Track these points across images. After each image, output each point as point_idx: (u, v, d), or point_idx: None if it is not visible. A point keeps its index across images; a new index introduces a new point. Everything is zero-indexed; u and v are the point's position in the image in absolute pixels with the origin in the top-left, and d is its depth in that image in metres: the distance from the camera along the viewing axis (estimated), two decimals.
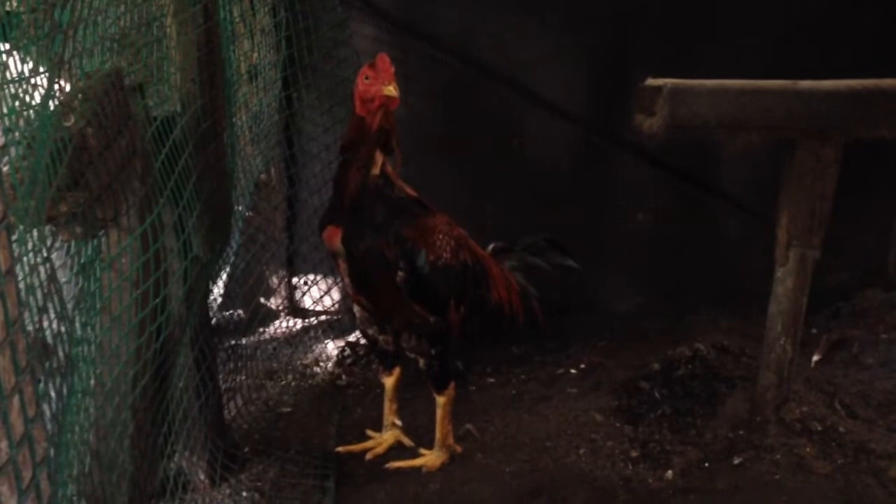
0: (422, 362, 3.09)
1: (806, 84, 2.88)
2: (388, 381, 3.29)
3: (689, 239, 4.51)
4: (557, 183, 4.50)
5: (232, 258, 3.68)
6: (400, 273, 2.86)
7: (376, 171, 2.85)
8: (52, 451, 1.58)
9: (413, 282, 2.89)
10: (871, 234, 4.53)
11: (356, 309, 3.15)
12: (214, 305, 3.41)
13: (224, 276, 3.63)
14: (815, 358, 3.80)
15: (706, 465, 3.04)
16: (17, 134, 1.50)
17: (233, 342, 3.82)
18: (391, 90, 2.76)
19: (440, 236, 2.96)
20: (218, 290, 3.50)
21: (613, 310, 4.52)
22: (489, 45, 4.32)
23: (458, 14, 4.30)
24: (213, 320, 3.36)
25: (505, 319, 3.20)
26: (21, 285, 1.39)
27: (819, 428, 3.14)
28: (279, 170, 4.30)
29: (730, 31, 4.29)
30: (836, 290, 4.33)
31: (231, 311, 4.18)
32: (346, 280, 3.01)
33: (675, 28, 4.31)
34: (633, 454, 3.14)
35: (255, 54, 3.70)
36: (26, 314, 1.41)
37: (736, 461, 3.03)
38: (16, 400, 1.17)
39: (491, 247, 3.36)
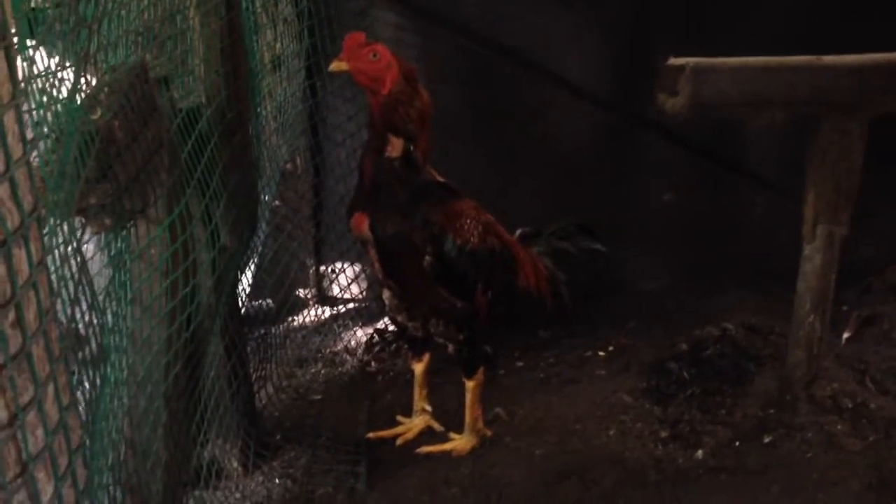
0: (451, 348, 3.11)
1: (830, 59, 2.86)
2: (418, 367, 3.31)
3: (715, 218, 4.48)
4: (583, 165, 4.48)
5: (259, 248, 3.70)
6: (427, 257, 2.87)
7: (394, 153, 2.84)
8: (86, 439, 1.61)
9: (440, 266, 2.89)
10: None
11: (386, 296, 3.16)
12: (243, 295, 3.43)
13: (252, 266, 3.65)
14: (846, 335, 3.77)
15: (737, 444, 3.04)
16: (45, 128, 1.52)
17: (262, 331, 3.85)
18: (332, 66, 2.77)
19: (467, 220, 2.96)
20: (246, 279, 3.52)
21: (641, 291, 4.50)
22: (512, 29, 4.30)
23: None
24: (243, 310, 3.39)
25: (533, 304, 3.21)
26: (53, 276, 1.42)
27: (850, 405, 3.12)
28: (304, 158, 4.32)
29: (753, 7, 4.25)
30: (866, 265, 4.28)
31: (260, 301, 4.21)
32: (377, 266, 3.02)
33: (698, 6, 4.28)
34: (663, 435, 3.14)
35: (278, 44, 3.71)
36: (59, 304, 1.43)
37: (766, 440, 3.02)
38: (50, 388, 1.19)
39: (518, 232, 3.36)
